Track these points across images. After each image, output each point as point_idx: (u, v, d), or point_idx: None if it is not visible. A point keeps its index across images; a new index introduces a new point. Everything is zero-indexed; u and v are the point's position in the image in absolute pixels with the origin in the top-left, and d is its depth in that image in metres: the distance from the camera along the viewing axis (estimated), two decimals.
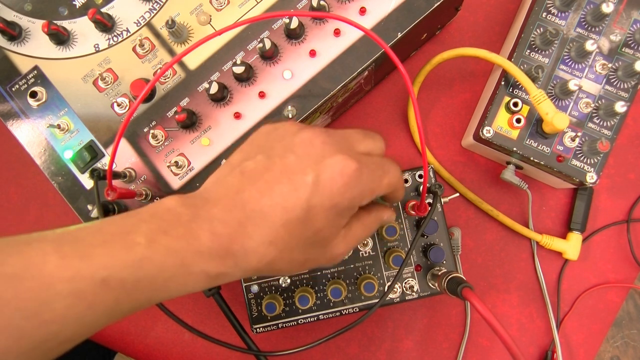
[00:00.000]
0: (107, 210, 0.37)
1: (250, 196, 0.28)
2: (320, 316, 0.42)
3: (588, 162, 0.42)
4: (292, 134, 0.30)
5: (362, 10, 0.39)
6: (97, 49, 0.39)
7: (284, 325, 0.42)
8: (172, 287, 0.26)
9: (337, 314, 0.42)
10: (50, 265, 0.23)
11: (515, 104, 0.42)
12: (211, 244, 0.26)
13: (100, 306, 0.24)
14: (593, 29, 0.43)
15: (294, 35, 0.38)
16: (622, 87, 0.42)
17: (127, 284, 0.24)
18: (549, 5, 0.43)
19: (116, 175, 0.37)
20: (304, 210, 0.28)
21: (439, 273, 0.41)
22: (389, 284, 0.43)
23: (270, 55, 0.38)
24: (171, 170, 0.38)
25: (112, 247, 0.24)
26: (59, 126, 0.38)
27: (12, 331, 0.21)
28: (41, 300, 0.22)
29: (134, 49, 0.39)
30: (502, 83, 0.43)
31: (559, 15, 0.43)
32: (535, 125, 0.42)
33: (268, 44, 0.37)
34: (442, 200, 0.44)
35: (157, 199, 0.38)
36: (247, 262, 0.28)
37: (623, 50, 0.42)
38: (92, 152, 0.39)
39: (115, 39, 0.39)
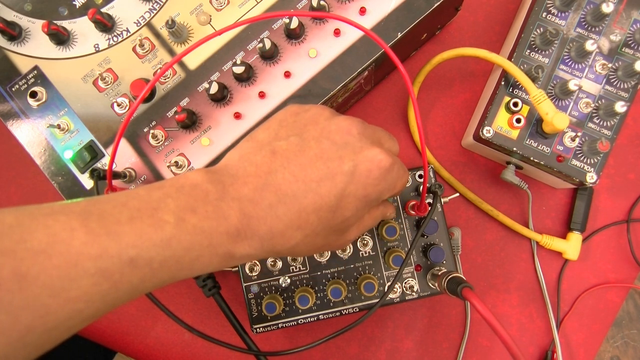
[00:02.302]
0: None
1: (283, 178, 0.27)
2: (320, 316, 0.42)
3: (588, 162, 0.42)
4: (326, 118, 0.30)
5: (362, 10, 0.39)
6: (97, 49, 0.39)
7: (284, 325, 0.42)
8: (196, 266, 0.26)
9: (337, 314, 0.42)
10: (77, 241, 0.22)
11: (515, 104, 0.42)
12: (240, 225, 0.26)
13: (126, 284, 0.23)
14: (593, 29, 0.43)
15: (294, 35, 0.38)
16: (622, 87, 0.42)
17: (154, 263, 0.24)
18: (549, 5, 0.43)
19: (116, 175, 0.37)
20: (337, 198, 0.28)
21: (439, 273, 0.41)
22: (389, 284, 0.43)
23: (270, 55, 0.38)
24: (171, 170, 0.38)
25: (140, 224, 0.24)
26: (59, 126, 0.38)
27: (38, 308, 0.21)
28: (68, 278, 0.21)
29: (134, 49, 0.39)
30: (502, 83, 0.43)
31: (559, 15, 0.43)
32: (535, 125, 0.42)
33: (268, 44, 0.37)
34: (442, 200, 0.44)
35: None
36: (272, 245, 0.27)
37: (623, 50, 0.42)
38: (92, 152, 0.39)
39: (115, 39, 0.39)
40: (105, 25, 0.39)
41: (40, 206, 0.23)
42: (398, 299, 0.42)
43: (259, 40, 0.39)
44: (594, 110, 0.42)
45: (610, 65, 0.42)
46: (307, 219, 0.28)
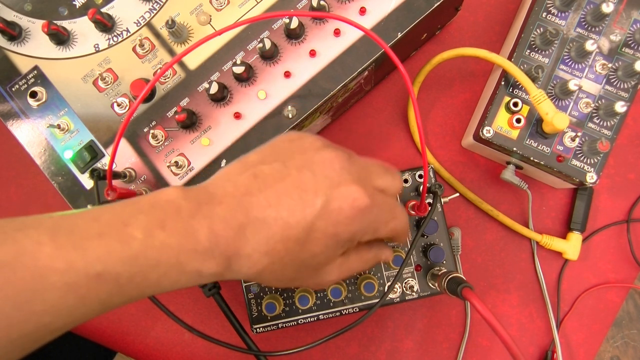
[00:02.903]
0: None
1: (257, 202, 0.27)
2: (320, 316, 0.42)
3: (588, 162, 0.42)
4: (315, 149, 0.30)
5: (362, 10, 0.39)
6: (97, 49, 0.39)
7: (284, 325, 0.42)
8: (164, 283, 0.25)
9: (337, 314, 0.42)
10: (44, 255, 0.22)
11: (515, 104, 0.42)
12: (208, 244, 0.26)
13: (93, 299, 0.23)
14: (593, 29, 0.43)
15: (294, 35, 0.38)
16: (622, 87, 0.42)
17: (121, 278, 0.24)
18: (549, 5, 0.43)
19: (116, 175, 0.37)
20: (305, 231, 0.27)
21: (439, 273, 0.41)
22: (389, 284, 0.43)
23: (270, 55, 0.38)
24: (171, 170, 0.38)
25: (108, 239, 0.24)
26: (59, 126, 0.38)
27: (2, 320, 0.21)
28: (33, 291, 0.22)
29: (134, 49, 0.39)
30: (502, 83, 0.43)
31: (559, 15, 0.43)
32: (535, 125, 0.42)
33: (268, 44, 0.37)
34: (442, 200, 0.44)
35: None
36: (239, 266, 0.27)
37: (623, 50, 0.42)
38: (92, 152, 0.39)
39: (115, 39, 0.39)
40: (105, 25, 0.39)
41: (13, 220, 0.24)
42: (398, 299, 0.42)
43: (259, 40, 0.39)
44: (594, 110, 0.42)
45: (610, 65, 0.42)
46: (274, 246, 0.27)
